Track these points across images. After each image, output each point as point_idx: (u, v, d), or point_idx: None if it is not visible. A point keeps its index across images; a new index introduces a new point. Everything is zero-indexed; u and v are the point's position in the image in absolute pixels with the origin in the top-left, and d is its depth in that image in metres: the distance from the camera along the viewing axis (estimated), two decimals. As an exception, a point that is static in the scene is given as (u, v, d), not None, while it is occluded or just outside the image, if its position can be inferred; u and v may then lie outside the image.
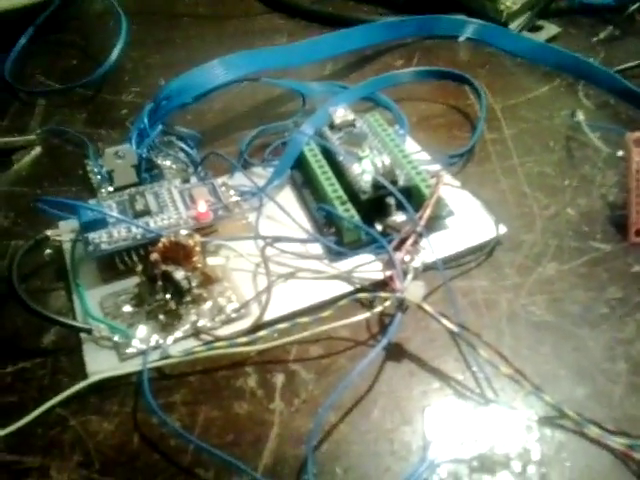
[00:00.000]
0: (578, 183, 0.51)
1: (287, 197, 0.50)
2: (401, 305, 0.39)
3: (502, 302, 0.42)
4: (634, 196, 0.45)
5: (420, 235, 0.43)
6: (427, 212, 0.43)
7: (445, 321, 0.37)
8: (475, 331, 0.38)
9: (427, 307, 0.38)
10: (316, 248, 0.46)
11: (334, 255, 0.45)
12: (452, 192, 0.49)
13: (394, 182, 0.44)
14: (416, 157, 0.51)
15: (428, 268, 0.43)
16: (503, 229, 0.46)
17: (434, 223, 0.46)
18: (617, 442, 0.34)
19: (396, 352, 0.40)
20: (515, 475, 0.33)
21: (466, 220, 0.47)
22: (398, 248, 0.42)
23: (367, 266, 0.43)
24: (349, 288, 0.43)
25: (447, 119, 0.59)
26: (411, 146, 0.55)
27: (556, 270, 0.44)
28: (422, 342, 0.40)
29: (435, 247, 0.44)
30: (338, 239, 0.45)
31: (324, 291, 0.43)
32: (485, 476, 0.33)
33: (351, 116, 0.51)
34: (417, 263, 0.42)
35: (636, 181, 0.45)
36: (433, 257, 0.42)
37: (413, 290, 0.38)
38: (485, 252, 0.45)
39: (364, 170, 0.46)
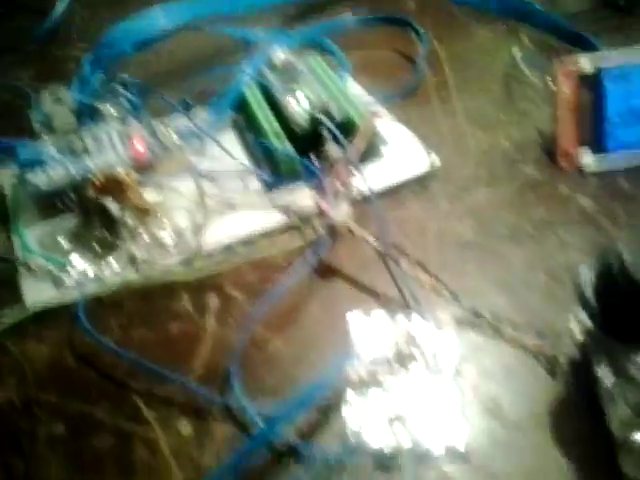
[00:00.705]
0: (515, 118, 0.54)
1: (229, 140, 0.53)
2: (331, 229, 0.42)
3: (432, 228, 0.45)
4: (563, 124, 0.48)
5: (353, 165, 0.45)
6: (360, 143, 0.46)
7: (371, 239, 0.40)
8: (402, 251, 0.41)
9: (355, 227, 0.41)
10: (254, 183, 0.49)
11: (271, 188, 0.48)
12: (389, 128, 0.52)
13: (329, 115, 0.47)
14: (356, 98, 0.53)
15: (362, 201, 0.46)
16: (437, 161, 0.49)
17: (370, 156, 0.49)
18: (531, 341, 0.37)
19: (328, 276, 0.43)
20: (431, 371, 0.36)
21: (402, 154, 0.50)
22: (331, 177, 0.45)
23: (303, 197, 0.46)
24: (284, 218, 0.46)
25: (391, 64, 0.62)
26: (353, 88, 0.57)
27: (486, 197, 0.47)
28: (354, 267, 0.43)
29: (370, 179, 0.47)
30: (275, 173, 0.47)
31: (260, 222, 0.45)
32: (402, 373, 0.36)
33: (291, 57, 0.53)
34: (349, 191, 0.45)
35: (565, 110, 0.47)
36: (367, 188, 0.45)
37: (341, 212, 0.41)
38: (419, 184, 0.48)
39: (300, 105, 0.48)
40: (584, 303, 0.31)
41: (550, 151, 0.49)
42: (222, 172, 0.49)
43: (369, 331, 0.37)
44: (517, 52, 0.58)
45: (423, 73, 0.58)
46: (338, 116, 0.48)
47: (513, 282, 0.41)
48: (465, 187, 0.48)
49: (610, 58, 0.47)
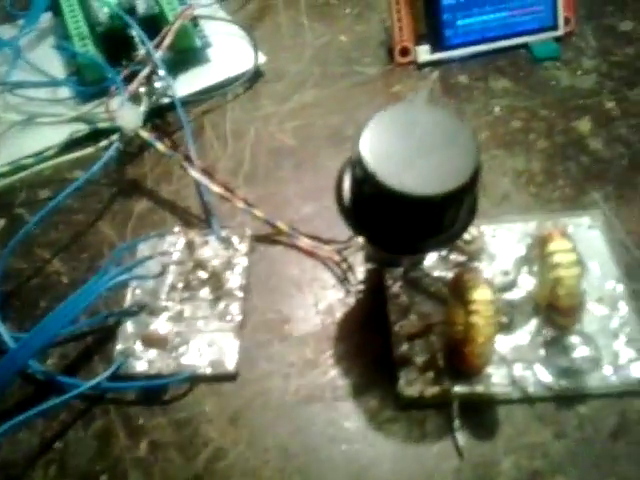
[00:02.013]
0: (360, 10, 0.51)
1: (48, 47, 0.49)
2: (121, 136, 0.38)
3: (250, 132, 0.42)
4: (394, 12, 0.44)
5: (158, 66, 0.42)
6: (167, 41, 0.42)
7: (159, 145, 0.37)
8: (211, 162, 0.40)
9: (143, 133, 0.38)
10: (65, 93, 0.45)
11: (81, 98, 0.44)
12: (216, 26, 0.48)
13: (132, 10, 0.43)
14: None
15: (170, 106, 0.43)
16: (262, 58, 0.45)
17: (189, 55, 0.45)
18: (326, 249, 0.34)
19: (128, 192, 0.40)
20: (214, 289, 0.33)
21: (226, 53, 0.46)
22: (130, 80, 0.41)
23: (106, 106, 0.43)
24: (85, 129, 0.42)
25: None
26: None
27: (314, 97, 0.44)
28: (156, 181, 0.40)
29: (186, 81, 0.44)
30: (81, 80, 0.44)
31: (60, 134, 0.42)
32: (186, 294, 0.33)
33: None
34: (153, 95, 0.41)
35: (398, -2, 0.44)
36: (173, 90, 0.42)
37: (129, 116, 0.38)
38: (244, 84, 0.45)
39: (106, 2, 0.44)
40: (339, 202, 0.28)
41: (389, 46, 0.46)
42: (31, 82, 0.45)
43: (159, 251, 0.35)
44: None
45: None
46: (143, 10, 0.44)
47: (325, 189, 0.38)
48: (294, 86, 0.45)
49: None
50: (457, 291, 0.27)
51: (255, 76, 0.46)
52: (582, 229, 0.34)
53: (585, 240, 0.33)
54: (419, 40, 0.45)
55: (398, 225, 0.26)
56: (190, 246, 0.34)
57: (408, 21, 0.45)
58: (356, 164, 0.26)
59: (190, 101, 0.44)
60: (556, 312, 0.28)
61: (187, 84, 0.44)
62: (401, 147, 0.26)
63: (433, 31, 0.45)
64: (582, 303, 0.29)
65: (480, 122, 0.41)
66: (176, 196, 0.39)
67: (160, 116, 0.44)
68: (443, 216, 0.26)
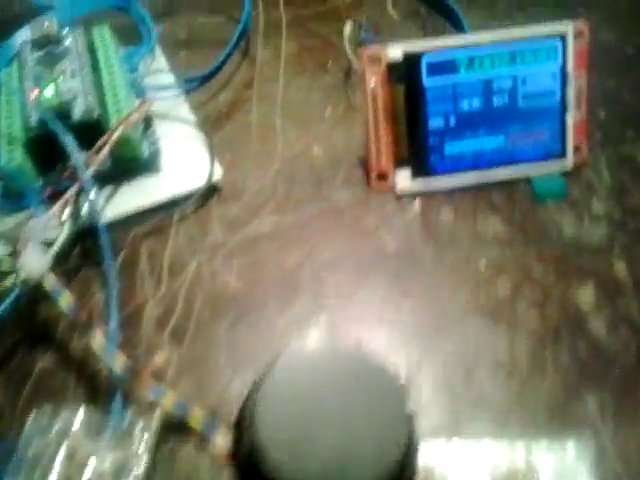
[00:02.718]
0: (342, 111, 0.44)
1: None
2: (23, 282, 0.32)
3: (191, 267, 0.35)
4: (372, 130, 0.38)
5: (84, 182, 0.35)
6: (104, 151, 0.36)
7: (61, 300, 0.30)
8: (138, 305, 0.34)
9: (48, 282, 0.31)
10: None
11: (5, 208, 0.38)
12: (172, 128, 0.41)
13: (65, 114, 0.37)
14: (154, 81, 0.44)
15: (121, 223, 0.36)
16: (219, 173, 0.39)
17: (133, 165, 0.39)
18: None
19: (39, 335, 0.34)
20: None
21: (181, 162, 0.40)
22: (54, 199, 0.35)
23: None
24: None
25: (222, 34, 0.50)
26: (159, 67, 0.46)
27: (273, 225, 0.37)
28: (72, 323, 0.33)
29: (131, 195, 0.37)
30: (4, 188, 0.37)
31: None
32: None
33: (54, 29, 0.42)
34: (77, 220, 0.35)
35: (373, 110, 0.37)
36: (98, 215, 0.35)
37: (33, 261, 0.31)
38: (196, 202, 0.38)
39: (41, 99, 0.38)
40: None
41: (367, 165, 0.39)
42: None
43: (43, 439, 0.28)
44: (348, 23, 0.46)
45: (234, 48, 0.46)
46: (79, 114, 0.37)
47: (262, 358, 0.31)
48: (251, 210, 0.38)
49: (430, 44, 0.36)
50: None
51: (210, 191, 0.38)
52: (566, 461, 0.26)
53: (568, 477, 0.25)
54: (400, 163, 0.38)
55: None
56: (73, 455, 0.27)
57: (388, 143, 0.38)
58: (248, 428, 0.18)
59: (129, 221, 0.37)
60: None
61: (127, 200, 0.38)
62: (306, 411, 0.18)
63: (416, 156, 0.38)
64: None
65: (460, 279, 0.34)
66: (87, 352, 0.32)
67: (93, 236, 0.37)
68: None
